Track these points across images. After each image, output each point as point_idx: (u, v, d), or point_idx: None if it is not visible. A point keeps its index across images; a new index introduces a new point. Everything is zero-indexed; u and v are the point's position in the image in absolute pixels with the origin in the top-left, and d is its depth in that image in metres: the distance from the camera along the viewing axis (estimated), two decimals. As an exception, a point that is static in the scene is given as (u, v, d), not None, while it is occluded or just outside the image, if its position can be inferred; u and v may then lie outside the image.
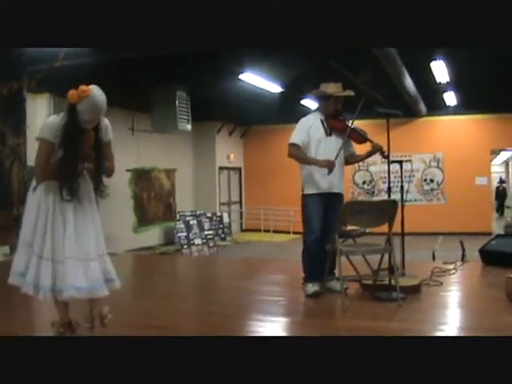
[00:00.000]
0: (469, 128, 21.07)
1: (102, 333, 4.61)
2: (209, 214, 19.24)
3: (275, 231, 21.79)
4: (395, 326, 5.17)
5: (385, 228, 5.97)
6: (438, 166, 21.63)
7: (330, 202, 6.21)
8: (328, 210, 6.19)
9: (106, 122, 4.60)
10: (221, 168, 22.07)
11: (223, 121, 21.35)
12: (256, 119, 21.38)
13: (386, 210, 5.89)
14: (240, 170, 23.72)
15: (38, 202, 4.46)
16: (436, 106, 20.23)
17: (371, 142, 6.38)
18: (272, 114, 19.94)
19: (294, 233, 21.05)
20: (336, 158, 6.09)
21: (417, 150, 20.91)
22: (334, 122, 6.33)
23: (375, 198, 20.99)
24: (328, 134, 6.30)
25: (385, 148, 6.35)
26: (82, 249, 4.41)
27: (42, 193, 4.46)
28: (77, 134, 4.36)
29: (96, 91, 4.30)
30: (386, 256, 6.07)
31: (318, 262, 6.16)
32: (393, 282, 5.93)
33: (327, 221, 6.15)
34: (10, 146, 9.50)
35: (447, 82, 15.62)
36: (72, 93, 4.30)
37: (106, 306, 4.70)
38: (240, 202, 23.74)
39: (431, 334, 4.92)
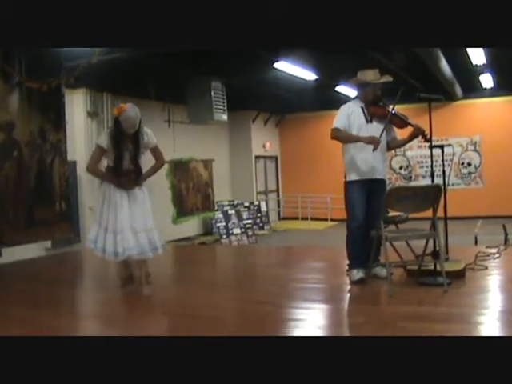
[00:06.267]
0: (506, 110, 20.70)
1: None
2: (246, 204, 19.27)
3: (313, 218, 21.73)
4: (443, 311, 5.16)
5: (424, 213, 5.97)
6: (475, 150, 21.35)
7: (372, 189, 6.22)
8: (371, 197, 6.20)
9: (148, 131, 6.28)
10: (257, 157, 22.05)
11: (258, 110, 21.28)
12: (291, 107, 21.29)
13: (431, 195, 5.88)
14: (276, 158, 23.67)
15: (104, 190, 6.27)
16: (472, 89, 19.96)
17: (412, 125, 6.35)
18: (307, 102, 19.87)
19: (332, 220, 21.05)
20: (380, 137, 6.09)
21: (453, 133, 20.61)
22: (374, 109, 6.32)
23: (413, 183, 20.81)
24: (369, 120, 6.30)
25: (426, 132, 6.33)
26: (133, 224, 6.09)
27: (106, 183, 6.25)
28: (121, 137, 6.09)
29: (129, 107, 6.00)
30: (430, 241, 6.08)
31: (362, 248, 6.19)
32: (438, 267, 5.92)
33: (371, 207, 6.16)
34: (51, 142, 9.61)
35: (484, 64, 15.40)
36: (115, 109, 6.13)
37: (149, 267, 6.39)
38: (277, 190, 23.70)
39: (478, 319, 4.93)
